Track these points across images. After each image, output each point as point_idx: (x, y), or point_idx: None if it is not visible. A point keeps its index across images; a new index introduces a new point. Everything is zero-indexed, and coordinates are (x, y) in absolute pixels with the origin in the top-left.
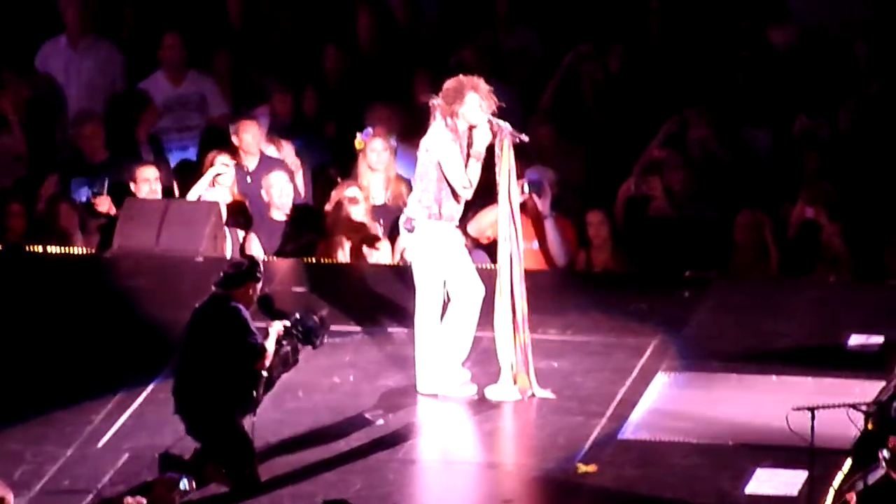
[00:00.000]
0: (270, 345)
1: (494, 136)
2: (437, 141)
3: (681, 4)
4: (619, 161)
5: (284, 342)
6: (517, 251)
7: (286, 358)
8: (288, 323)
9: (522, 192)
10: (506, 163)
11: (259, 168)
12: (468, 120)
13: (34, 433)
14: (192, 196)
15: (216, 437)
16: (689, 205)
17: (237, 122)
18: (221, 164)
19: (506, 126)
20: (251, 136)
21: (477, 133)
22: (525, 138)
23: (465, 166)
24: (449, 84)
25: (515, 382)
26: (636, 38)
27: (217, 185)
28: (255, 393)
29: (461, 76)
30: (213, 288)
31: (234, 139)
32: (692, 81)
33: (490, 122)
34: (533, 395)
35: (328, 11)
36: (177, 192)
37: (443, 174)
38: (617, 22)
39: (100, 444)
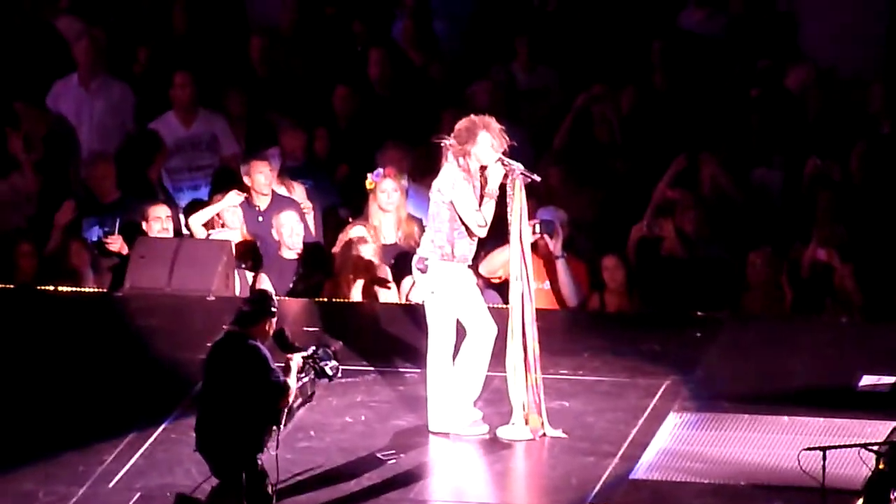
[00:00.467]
0: (293, 380)
1: (506, 175)
2: (450, 182)
3: (690, 49)
4: (630, 202)
5: (302, 375)
6: (529, 291)
7: (305, 391)
8: (305, 355)
9: (534, 232)
10: (517, 203)
11: (270, 207)
12: (480, 160)
13: (46, 472)
14: (195, 221)
15: (239, 476)
16: (700, 245)
17: (249, 162)
18: (235, 194)
19: (518, 166)
20: (263, 177)
21: (489, 172)
22: (537, 178)
23: (480, 206)
24: (461, 124)
25: (527, 422)
26: (645, 82)
27: (225, 227)
28: (277, 428)
29: (473, 116)
30: (228, 326)
31: (246, 179)
32: (704, 122)
33: (501, 161)
34: (544, 434)
35: (340, 52)
36: (185, 231)
37: (455, 214)
38: (627, 65)
39: (111, 484)
